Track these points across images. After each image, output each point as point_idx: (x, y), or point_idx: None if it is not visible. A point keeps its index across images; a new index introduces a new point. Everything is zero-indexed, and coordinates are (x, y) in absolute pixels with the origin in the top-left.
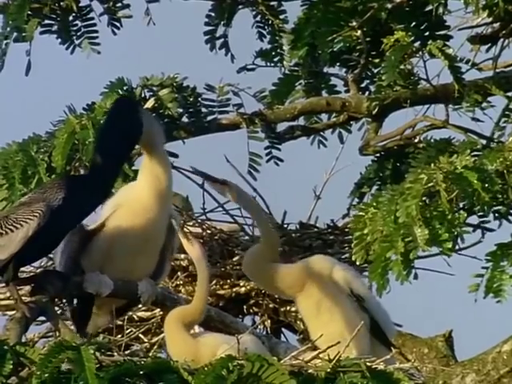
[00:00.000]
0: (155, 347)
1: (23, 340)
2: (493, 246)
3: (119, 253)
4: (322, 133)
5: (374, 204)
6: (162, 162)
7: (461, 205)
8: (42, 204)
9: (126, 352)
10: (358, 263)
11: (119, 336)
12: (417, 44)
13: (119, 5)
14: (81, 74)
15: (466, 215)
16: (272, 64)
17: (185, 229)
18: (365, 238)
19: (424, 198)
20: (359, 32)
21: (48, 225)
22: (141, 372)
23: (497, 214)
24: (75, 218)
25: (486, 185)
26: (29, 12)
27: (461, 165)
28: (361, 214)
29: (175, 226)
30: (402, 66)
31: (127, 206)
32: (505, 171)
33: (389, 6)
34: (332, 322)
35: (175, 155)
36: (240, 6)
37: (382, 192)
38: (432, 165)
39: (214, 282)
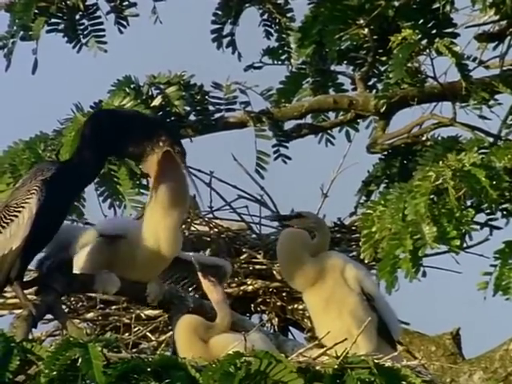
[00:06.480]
0: (163, 345)
1: (30, 338)
2: (500, 244)
3: (128, 265)
4: (329, 131)
5: (382, 202)
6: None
7: (469, 202)
8: (37, 180)
9: (134, 350)
10: (366, 261)
11: (127, 334)
12: (424, 42)
13: (126, 3)
14: (88, 73)
15: (473, 213)
16: (279, 62)
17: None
18: (373, 235)
19: (432, 196)
20: (366, 30)
21: (47, 199)
22: (148, 369)
23: (504, 212)
24: (70, 193)
25: (494, 182)
26: (35, 10)
27: (469, 162)
28: (369, 211)
29: (196, 265)
30: (409, 64)
31: (139, 240)
32: None
33: (396, 3)
34: (340, 320)
35: None
36: (247, 5)
37: (389, 190)
38: (440, 162)
39: None
